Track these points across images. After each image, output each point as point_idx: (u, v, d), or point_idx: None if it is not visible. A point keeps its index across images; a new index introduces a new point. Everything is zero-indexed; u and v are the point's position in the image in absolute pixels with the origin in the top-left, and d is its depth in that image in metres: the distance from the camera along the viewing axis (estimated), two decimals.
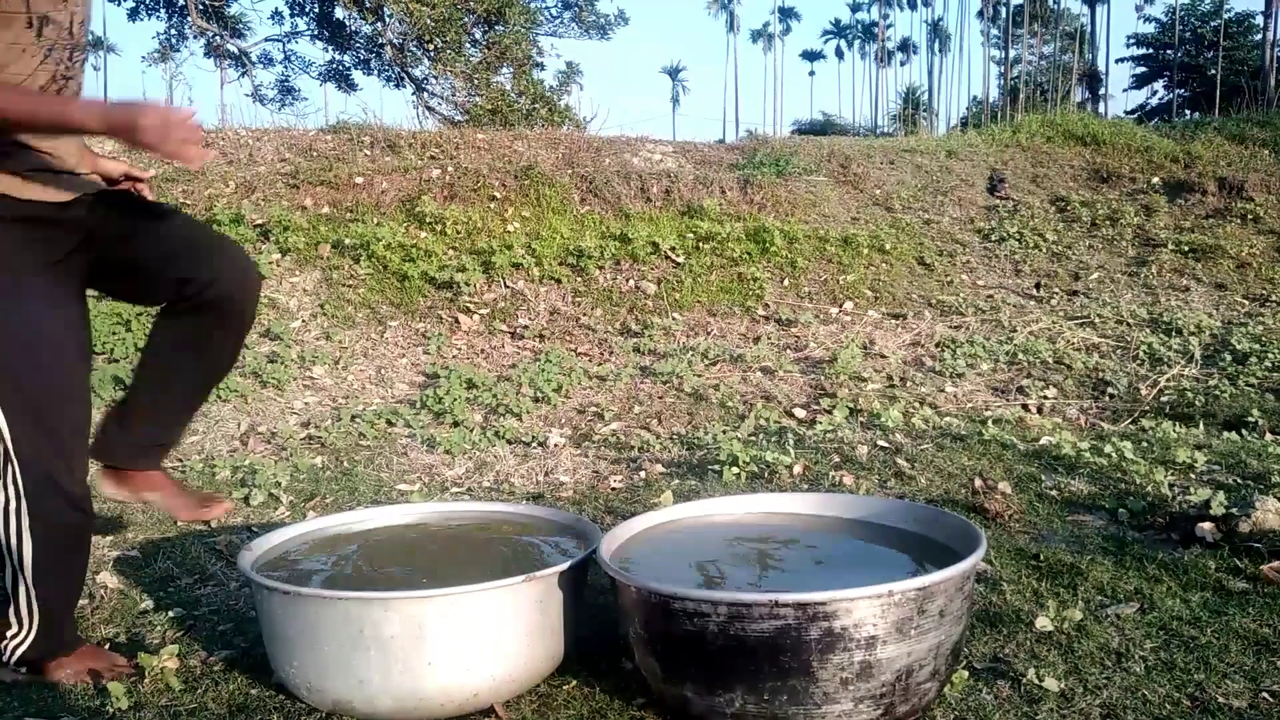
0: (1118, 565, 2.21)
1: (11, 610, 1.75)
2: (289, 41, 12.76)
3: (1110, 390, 4.42)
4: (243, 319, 1.90)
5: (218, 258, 1.84)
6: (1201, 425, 3.78)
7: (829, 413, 3.93)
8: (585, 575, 1.80)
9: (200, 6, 10.60)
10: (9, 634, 1.76)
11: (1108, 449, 3.17)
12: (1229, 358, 4.72)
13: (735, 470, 3.07)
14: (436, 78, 10.91)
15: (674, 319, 5.16)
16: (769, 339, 5.00)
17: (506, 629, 1.59)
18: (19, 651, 1.76)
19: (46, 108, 1.61)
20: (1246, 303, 5.90)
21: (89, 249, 1.77)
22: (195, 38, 12.24)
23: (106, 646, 1.91)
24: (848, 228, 6.33)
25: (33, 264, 1.67)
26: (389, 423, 3.83)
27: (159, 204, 1.94)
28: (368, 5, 10.47)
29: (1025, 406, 4.21)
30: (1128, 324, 5.32)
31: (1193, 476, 2.94)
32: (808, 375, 4.52)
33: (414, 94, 11.26)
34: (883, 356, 4.77)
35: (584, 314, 5.15)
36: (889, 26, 76.73)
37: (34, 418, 1.65)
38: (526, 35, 11.30)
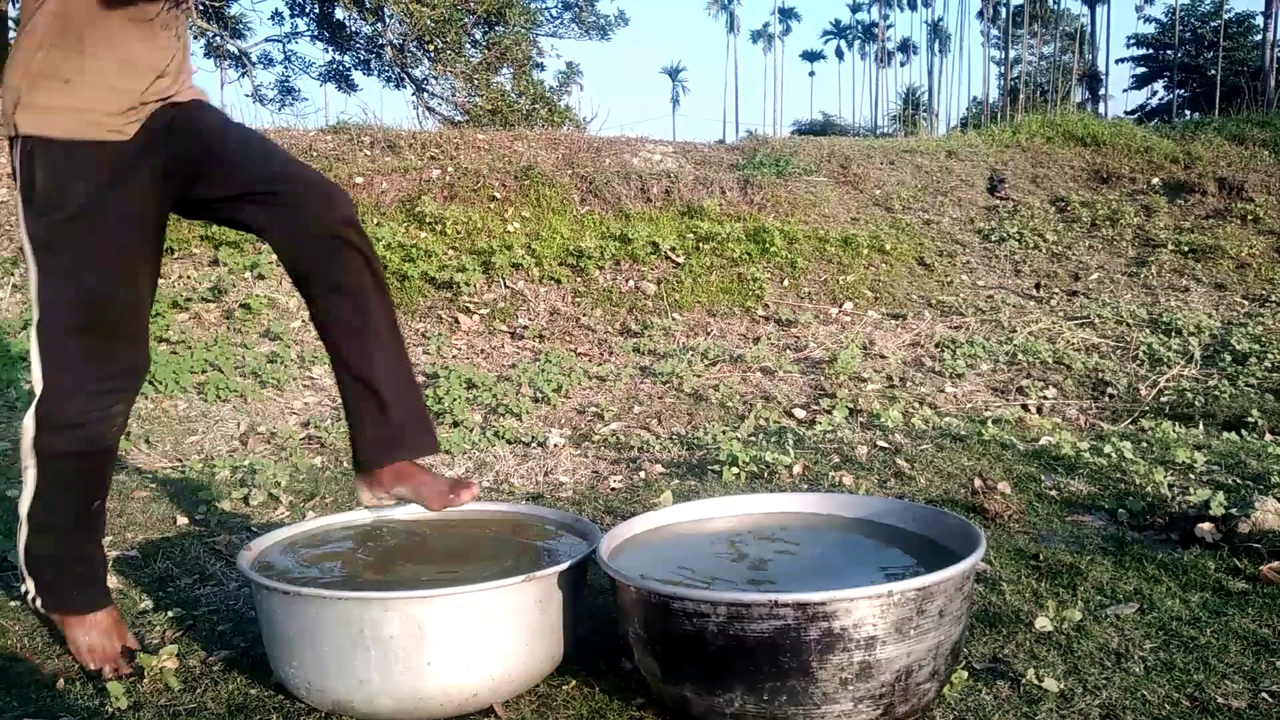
0: (1117, 565, 2.21)
1: None
2: (289, 42, 12.77)
3: (1110, 390, 4.42)
4: (353, 250, 1.75)
5: (293, 190, 1.72)
6: (1201, 425, 3.78)
7: (829, 413, 3.93)
8: (585, 575, 1.80)
9: (200, 7, 10.60)
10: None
11: (1107, 449, 3.17)
12: (1228, 358, 4.72)
13: (735, 470, 3.07)
14: (436, 78, 10.92)
15: (674, 319, 5.16)
16: (769, 339, 5.00)
17: (506, 629, 1.59)
18: (28, 597, 1.79)
19: None
20: (1246, 303, 5.90)
21: (165, 180, 1.71)
22: (195, 38, 12.23)
23: None
24: (847, 228, 6.33)
25: (105, 205, 1.64)
26: None
27: (230, 124, 1.83)
28: (368, 6, 10.47)
29: (1025, 407, 4.21)
30: (1127, 324, 5.32)
31: (1192, 477, 2.94)
32: (807, 375, 4.52)
33: (414, 94, 11.27)
34: (882, 357, 4.77)
35: (584, 314, 5.15)
36: (889, 27, 76.82)
37: (80, 365, 1.65)
38: (526, 36, 11.31)
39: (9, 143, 1.66)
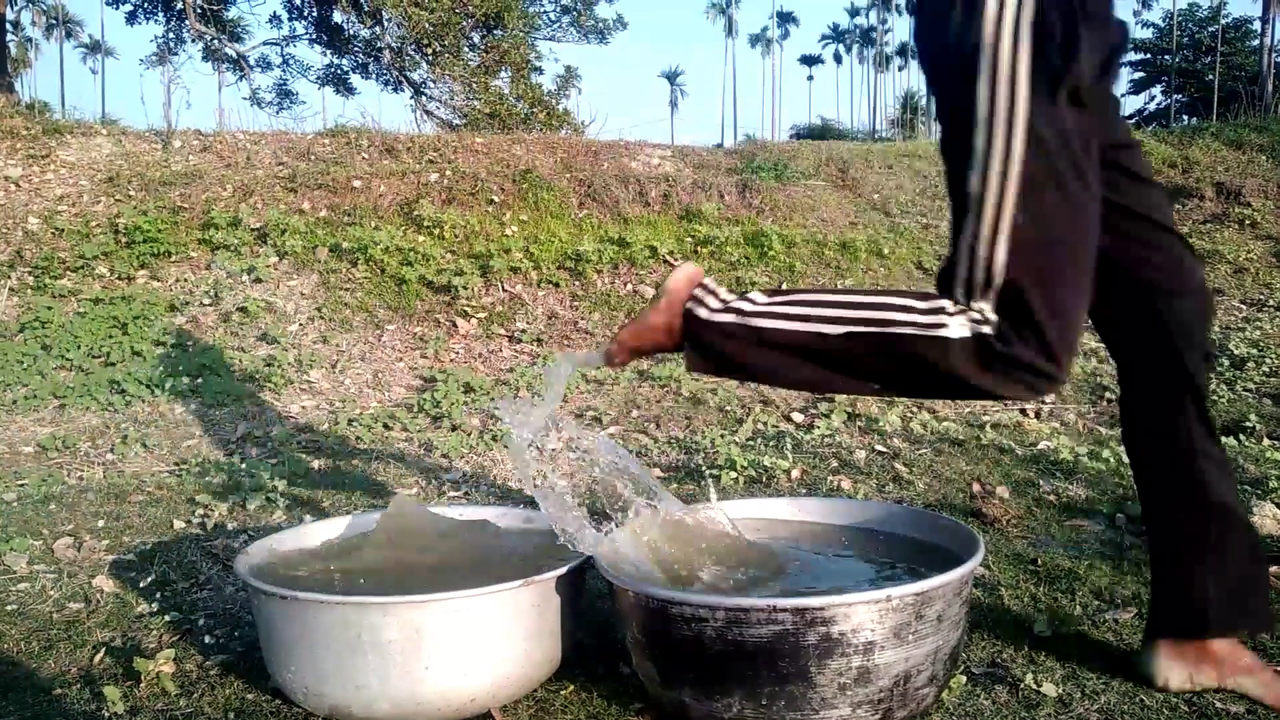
0: (1115, 570, 2.21)
1: None
2: (287, 45, 12.79)
3: (1108, 394, 4.42)
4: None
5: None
6: None
7: (827, 417, 3.92)
8: (583, 579, 1.80)
9: (198, 10, 10.61)
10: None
11: (1105, 453, 3.17)
12: (1226, 363, 4.72)
13: (733, 475, 3.06)
14: (435, 81, 10.92)
15: None
16: None
17: (504, 633, 1.58)
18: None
19: None
20: (1244, 307, 5.91)
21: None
22: (193, 41, 12.25)
23: (103, 651, 1.90)
24: (846, 232, 6.33)
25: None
26: (386, 426, 3.83)
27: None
28: (366, 9, 10.49)
29: (1023, 411, 4.21)
30: None
31: None
32: None
33: (412, 98, 11.28)
34: None
35: (582, 318, 5.15)
36: (887, 31, 76.94)
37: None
38: (525, 39, 11.32)
39: None
